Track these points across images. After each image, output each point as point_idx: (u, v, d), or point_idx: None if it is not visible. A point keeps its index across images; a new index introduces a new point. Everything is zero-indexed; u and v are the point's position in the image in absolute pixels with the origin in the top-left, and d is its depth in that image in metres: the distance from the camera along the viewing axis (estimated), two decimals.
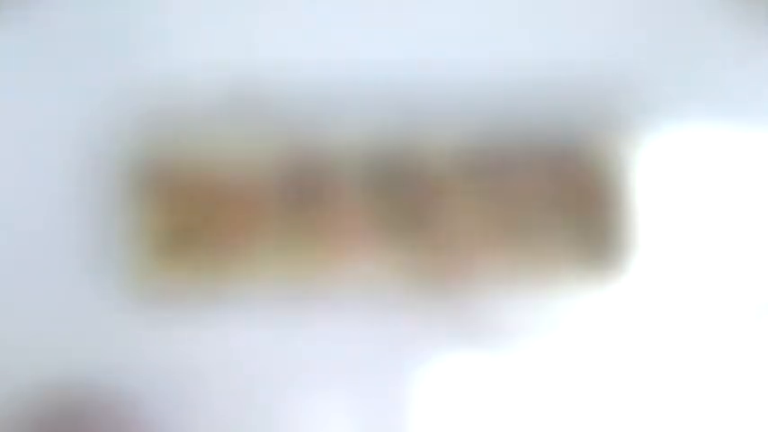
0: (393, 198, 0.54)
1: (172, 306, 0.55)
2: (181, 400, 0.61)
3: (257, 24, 0.58)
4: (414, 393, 0.61)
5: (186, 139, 0.54)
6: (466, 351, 0.60)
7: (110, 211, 0.54)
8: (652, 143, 0.55)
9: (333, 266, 0.54)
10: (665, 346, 0.60)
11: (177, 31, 0.58)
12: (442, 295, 0.56)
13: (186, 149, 0.54)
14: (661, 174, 0.58)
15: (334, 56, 0.58)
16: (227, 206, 0.54)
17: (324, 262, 0.54)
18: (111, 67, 0.58)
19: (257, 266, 0.54)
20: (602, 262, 0.54)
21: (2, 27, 0.58)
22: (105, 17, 0.58)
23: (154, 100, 0.57)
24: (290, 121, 0.54)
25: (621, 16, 0.58)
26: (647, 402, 0.60)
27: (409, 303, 0.59)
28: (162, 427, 0.59)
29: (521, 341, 0.60)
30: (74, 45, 0.58)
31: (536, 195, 0.54)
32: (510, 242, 0.54)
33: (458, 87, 0.58)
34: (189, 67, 0.58)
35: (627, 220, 0.53)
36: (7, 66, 0.58)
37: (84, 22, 0.58)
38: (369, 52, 0.58)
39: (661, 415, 0.60)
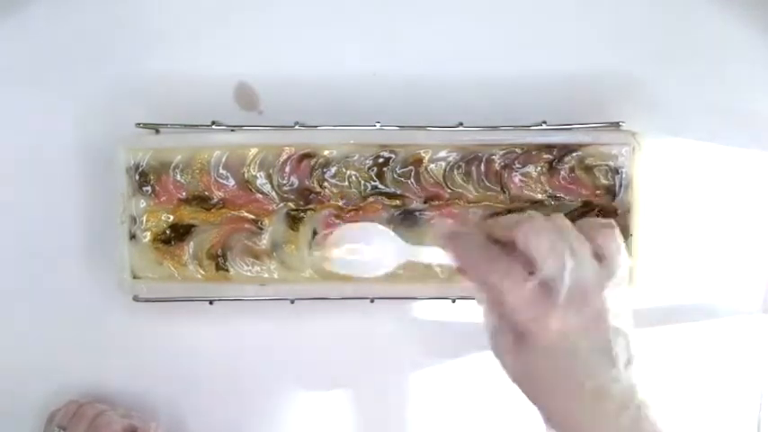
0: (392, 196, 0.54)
1: (170, 305, 0.55)
2: (180, 398, 0.61)
3: (258, 27, 0.58)
4: (413, 392, 0.61)
5: (185, 138, 0.54)
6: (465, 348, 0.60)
7: (110, 211, 0.54)
8: (654, 143, 0.55)
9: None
10: (665, 345, 0.60)
11: (177, 33, 0.58)
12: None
13: (185, 149, 0.54)
14: (662, 173, 0.58)
15: (331, 57, 0.58)
16: (226, 205, 0.54)
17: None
18: (111, 67, 0.58)
19: (257, 265, 0.54)
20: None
21: (2, 27, 0.58)
22: (105, 18, 0.58)
23: (153, 100, 0.57)
24: (289, 121, 0.54)
25: (624, 17, 0.58)
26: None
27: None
28: (162, 425, 0.59)
29: None
30: (73, 45, 0.58)
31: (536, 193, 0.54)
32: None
33: (458, 87, 0.58)
34: (189, 68, 0.58)
35: (628, 219, 0.53)
36: (7, 66, 0.58)
37: (84, 22, 0.58)
38: (368, 58, 0.59)
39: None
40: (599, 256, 0.43)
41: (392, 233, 0.44)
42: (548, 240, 0.43)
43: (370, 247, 0.44)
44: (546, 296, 0.42)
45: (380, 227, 0.45)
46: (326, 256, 0.43)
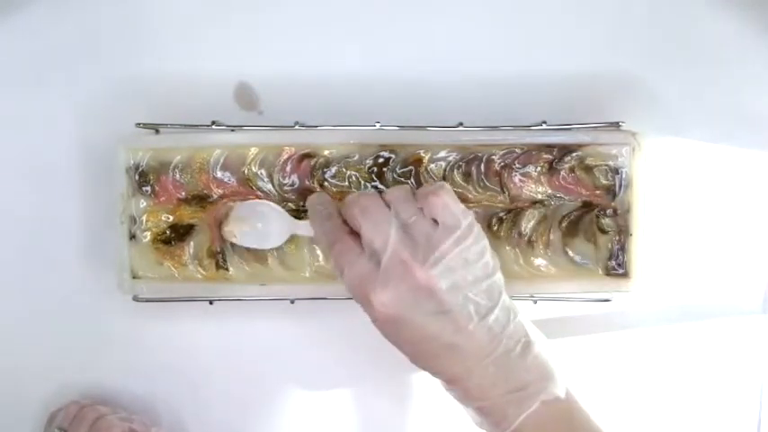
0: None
1: (170, 305, 0.55)
2: (180, 398, 0.61)
3: (258, 26, 0.58)
4: (414, 392, 0.61)
5: (185, 138, 0.54)
6: None
7: (110, 211, 0.54)
8: (654, 143, 0.55)
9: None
10: (665, 345, 0.60)
11: (177, 32, 0.58)
12: None
13: (185, 149, 0.54)
14: (662, 173, 0.58)
15: (331, 56, 0.58)
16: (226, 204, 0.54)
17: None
18: (111, 67, 0.58)
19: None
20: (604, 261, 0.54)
21: (2, 27, 0.58)
22: (105, 18, 0.58)
23: (153, 100, 0.57)
24: (289, 121, 0.54)
25: (624, 17, 0.58)
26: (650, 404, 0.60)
27: None
28: (162, 424, 0.59)
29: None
30: (73, 45, 0.58)
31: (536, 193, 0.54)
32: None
33: (458, 87, 0.58)
34: (189, 68, 0.58)
35: (628, 218, 0.53)
36: (7, 66, 0.58)
37: (84, 22, 0.58)
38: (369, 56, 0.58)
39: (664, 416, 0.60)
40: (435, 221, 0.44)
41: (281, 210, 0.51)
42: (373, 218, 0.43)
43: (264, 222, 0.51)
44: (373, 274, 0.43)
45: (273, 204, 0.52)
46: (233, 230, 0.51)
